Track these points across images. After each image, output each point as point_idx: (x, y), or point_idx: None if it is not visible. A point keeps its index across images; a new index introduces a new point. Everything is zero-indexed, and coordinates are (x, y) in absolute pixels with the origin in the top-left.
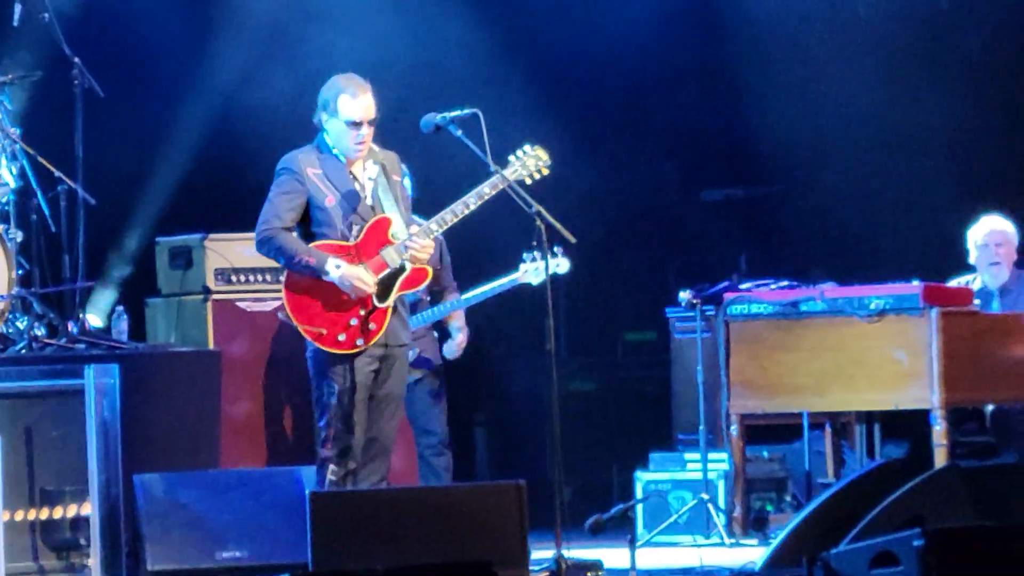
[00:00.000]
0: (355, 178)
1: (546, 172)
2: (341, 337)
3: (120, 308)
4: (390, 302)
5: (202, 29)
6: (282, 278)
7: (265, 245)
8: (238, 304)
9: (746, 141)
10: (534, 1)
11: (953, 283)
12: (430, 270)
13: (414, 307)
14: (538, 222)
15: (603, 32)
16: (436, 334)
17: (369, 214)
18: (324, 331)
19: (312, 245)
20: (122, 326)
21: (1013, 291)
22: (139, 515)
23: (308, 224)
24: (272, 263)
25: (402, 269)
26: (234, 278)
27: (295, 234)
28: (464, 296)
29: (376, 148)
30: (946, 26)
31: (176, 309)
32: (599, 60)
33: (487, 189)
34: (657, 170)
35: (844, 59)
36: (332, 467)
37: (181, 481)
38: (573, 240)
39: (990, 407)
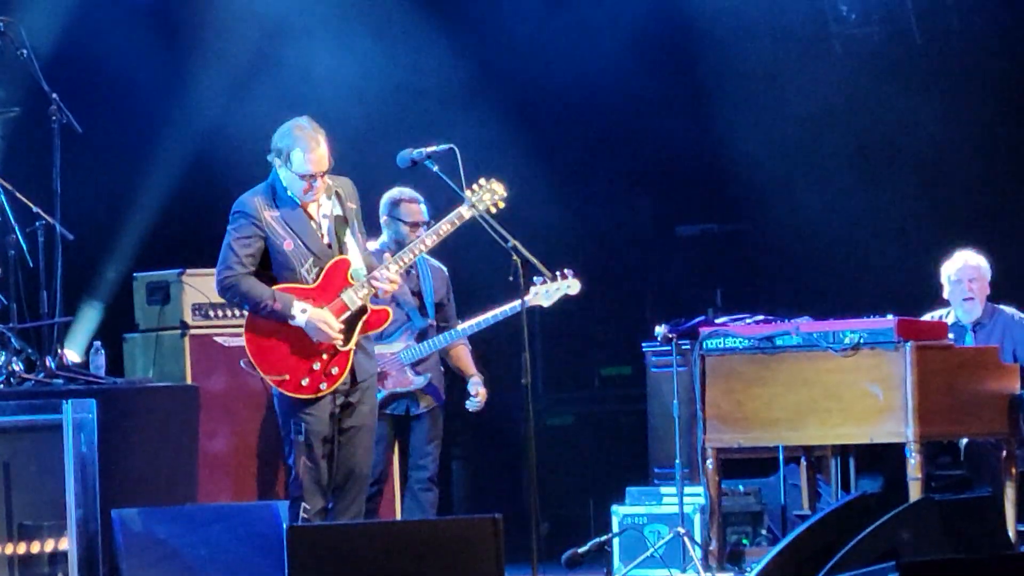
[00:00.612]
0: (311, 217)
1: (502, 205)
2: (304, 382)
3: (98, 343)
4: (352, 345)
5: (180, 64)
6: (246, 325)
7: (228, 291)
8: (216, 339)
9: (721, 176)
10: (509, 35)
11: (927, 317)
12: (390, 310)
13: (423, 334)
14: (514, 257)
15: (577, 67)
16: (443, 369)
17: (327, 254)
18: (287, 376)
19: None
20: (100, 361)
21: (987, 325)
22: (117, 550)
23: (267, 267)
24: None
25: (363, 311)
26: (212, 313)
27: (254, 279)
28: (474, 321)
29: (328, 180)
30: (920, 60)
31: (154, 344)
32: (574, 95)
33: (447, 225)
34: (632, 205)
35: (819, 94)
36: (304, 505)
37: (159, 516)
38: (548, 274)
39: (964, 441)
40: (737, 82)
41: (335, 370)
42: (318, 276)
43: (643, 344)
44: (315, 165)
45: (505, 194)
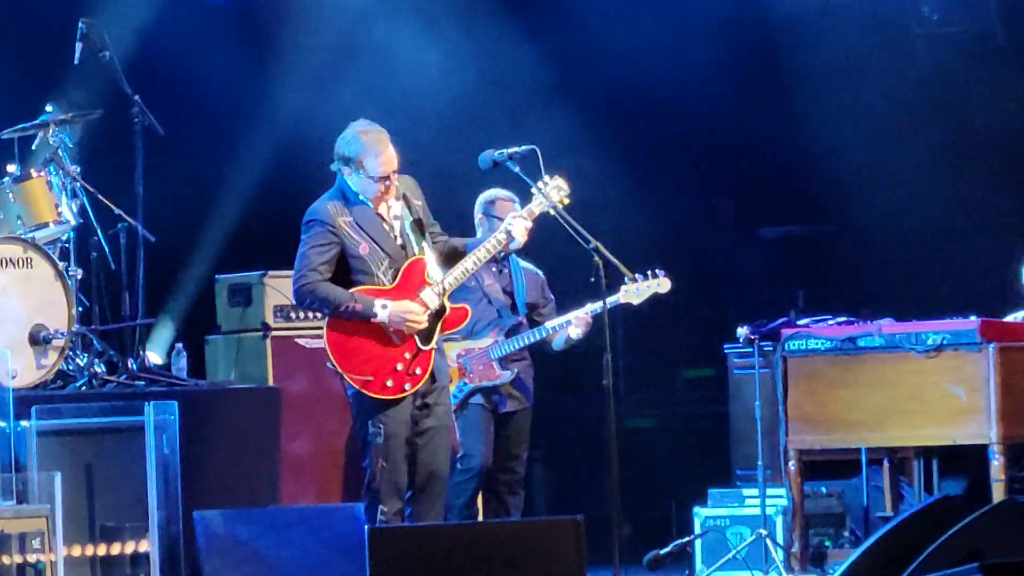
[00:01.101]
0: (383, 219)
1: (568, 201)
2: (388, 383)
3: (180, 345)
4: (434, 344)
5: (260, 64)
6: (325, 327)
7: (306, 298)
8: (297, 341)
9: (804, 177)
10: (592, 32)
11: (1010, 319)
12: (469, 309)
13: (513, 332)
14: (596, 258)
15: (660, 65)
16: (534, 371)
17: (401, 255)
18: (371, 377)
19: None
20: (182, 363)
21: None
22: (199, 552)
23: (344, 273)
24: None
25: (442, 309)
26: (293, 315)
27: (331, 284)
28: (561, 320)
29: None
30: (1004, 59)
31: (235, 346)
32: (656, 94)
33: (502, 235)
34: (715, 207)
35: (902, 95)
36: (381, 507)
37: (240, 517)
38: (631, 276)
39: None
40: (820, 83)
41: (418, 370)
42: (395, 277)
43: (725, 346)
44: (389, 165)
45: (569, 190)
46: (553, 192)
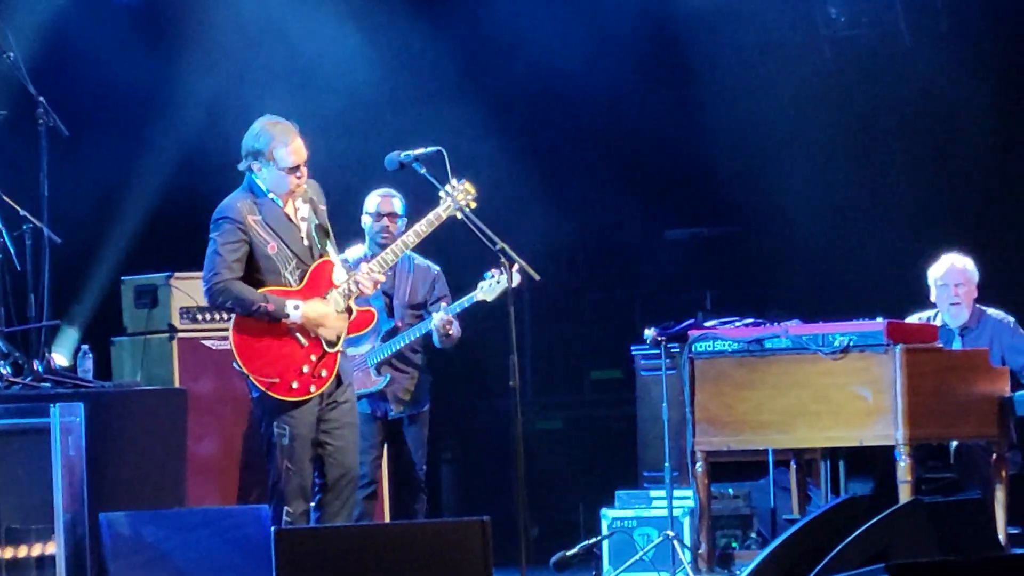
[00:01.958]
0: (291, 220)
1: (474, 205)
2: (294, 384)
3: (85, 347)
4: (340, 347)
5: (167, 66)
6: (231, 327)
7: (219, 296)
8: (203, 343)
9: (710, 180)
10: (497, 38)
11: (913, 319)
12: (376, 311)
13: (390, 335)
14: (503, 260)
15: (566, 71)
16: (431, 378)
17: (308, 256)
18: (277, 379)
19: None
20: (87, 365)
21: (974, 330)
22: (105, 554)
23: (252, 272)
24: None
25: (349, 312)
26: (199, 317)
27: (243, 283)
28: (430, 323)
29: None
30: (908, 65)
31: (142, 348)
32: (562, 99)
33: (425, 225)
34: (621, 209)
35: (809, 97)
36: (287, 508)
37: (147, 519)
38: (537, 277)
39: (954, 443)
40: (727, 84)
41: (324, 372)
42: (302, 278)
43: (632, 347)
44: (299, 154)
45: (476, 194)
46: (460, 196)
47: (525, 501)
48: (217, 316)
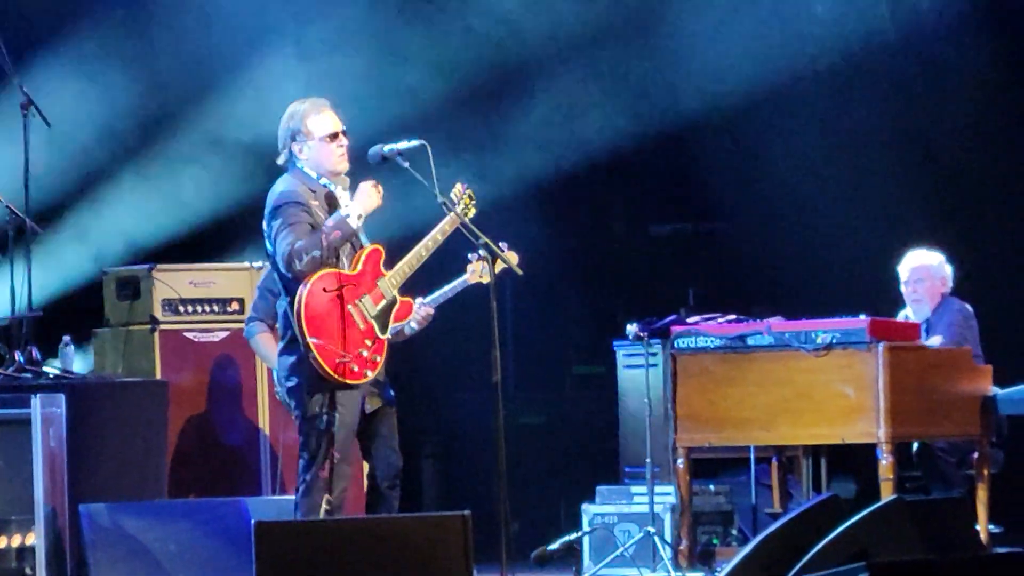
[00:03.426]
0: (341, 204)
1: (474, 211)
2: (355, 367)
3: (67, 338)
4: (389, 334)
5: (152, 55)
6: (300, 305)
7: (295, 260)
8: (185, 334)
9: (694, 176)
10: (479, 28)
11: (900, 317)
12: (414, 301)
13: None
14: (484, 254)
15: (549, 65)
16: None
17: (356, 243)
18: (348, 358)
19: (318, 275)
20: (69, 356)
21: (937, 324)
22: (85, 545)
23: None
24: (219, 294)
25: (394, 301)
26: (181, 308)
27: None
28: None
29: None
30: (894, 62)
31: (123, 339)
32: (546, 94)
33: (439, 235)
34: (605, 204)
35: (794, 93)
36: (327, 497)
37: (127, 511)
38: (520, 272)
39: (915, 445)
40: (711, 80)
41: (377, 358)
42: (355, 264)
43: (614, 343)
44: (334, 122)
45: (476, 199)
46: (461, 207)
47: (506, 496)
48: (200, 308)
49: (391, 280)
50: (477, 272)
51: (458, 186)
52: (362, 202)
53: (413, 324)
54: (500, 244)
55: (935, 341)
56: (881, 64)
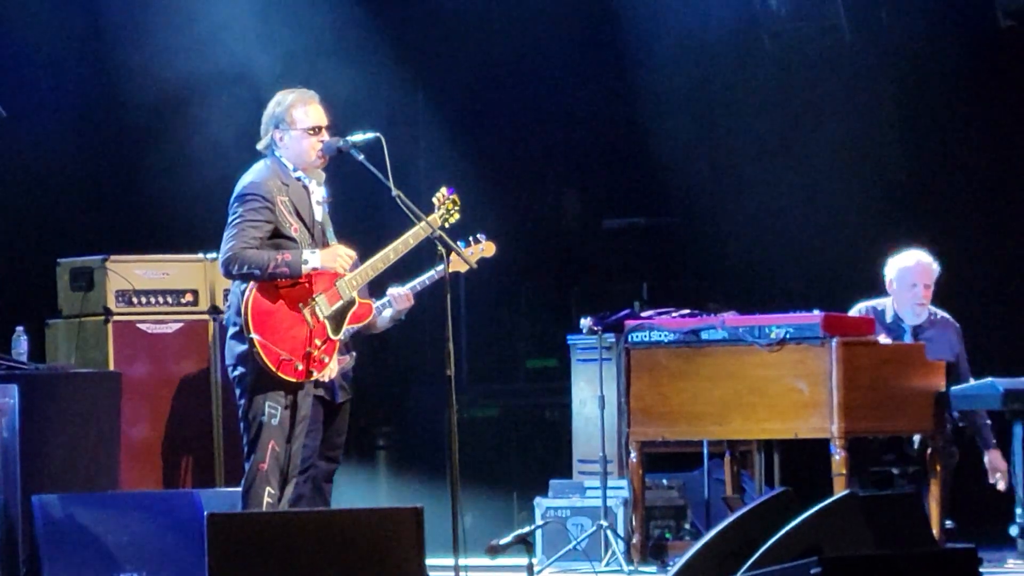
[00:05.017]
0: (311, 202)
1: (457, 217)
2: (299, 366)
3: (20, 328)
4: (342, 335)
5: (107, 48)
6: (248, 297)
7: (233, 265)
8: (139, 326)
9: (648, 170)
10: (435, 23)
11: (864, 305)
12: (373, 304)
13: None
14: (439, 247)
15: (505, 60)
16: (355, 354)
17: (320, 241)
18: (289, 357)
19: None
20: (22, 347)
21: (927, 329)
22: (37, 536)
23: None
24: (173, 285)
25: (352, 303)
26: (135, 300)
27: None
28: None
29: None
30: (848, 59)
31: (76, 330)
32: (501, 86)
33: (411, 239)
34: (559, 198)
35: (748, 88)
36: (269, 490)
37: (80, 502)
38: (474, 266)
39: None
40: (666, 75)
41: (325, 359)
42: None
43: (568, 337)
44: (319, 115)
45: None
46: (442, 213)
47: (459, 489)
48: (153, 299)
49: (351, 281)
50: (455, 261)
51: (443, 190)
52: (325, 260)
53: (388, 312)
54: (479, 235)
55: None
56: (837, 59)
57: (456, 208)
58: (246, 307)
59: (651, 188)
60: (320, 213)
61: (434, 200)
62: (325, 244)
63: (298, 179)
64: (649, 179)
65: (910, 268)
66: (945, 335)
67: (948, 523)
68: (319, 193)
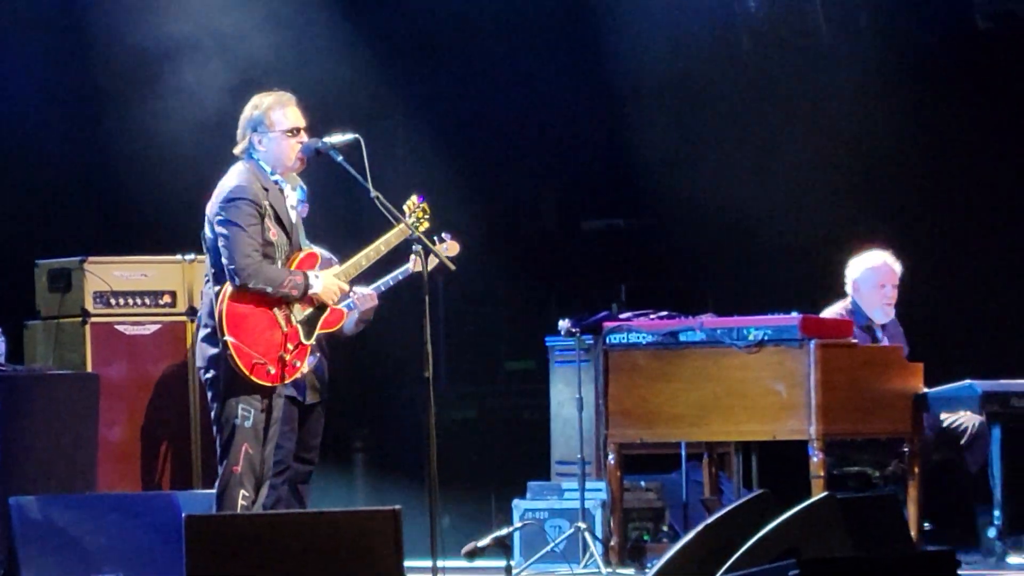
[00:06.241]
0: (287, 206)
1: (427, 225)
2: (271, 370)
3: None
4: (313, 340)
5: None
6: (223, 300)
7: (253, 279)
8: (116, 327)
9: (627, 171)
10: (412, 24)
11: (834, 310)
12: (345, 311)
13: None
14: (419, 249)
15: (483, 61)
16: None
17: (294, 244)
18: (263, 360)
19: None
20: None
21: (892, 331)
22: (15, 537)
23: None
24: (151, 287)
25: (323, 307)
26: (113, 301)
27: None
28: (348, 299)
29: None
30: (827, 61)
31: (54, 332)
32: (480, 90)
33: (383, 246)
34: (538, 199)
35: (726, 88)
36: (243, 492)
37: (57, 504)
38: (452, 268)
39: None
40: (645, 76)
41: (298, 363)
42: (289, 266)
43: (546, 338)
44: (297, 117)
45: (430, 213)
46: (413, 220)
47: (437, 490)
48: (131, 301)
49: None
50: (430, 261)
51: (413, 198)
52: (325, 291)
53: (354, 314)
54: (443, 234)
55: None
56: (815, 58)
57: (426, 216)
58: (221, 309)
59: (630, 190)
60: (295, 216)
61: (405, 208)
62: (299, 248)
63: (276, 182)
64: (628, 181)
65: (878, 268)
66: (899, 332)
67: (926, 525)
68: (293, 198)
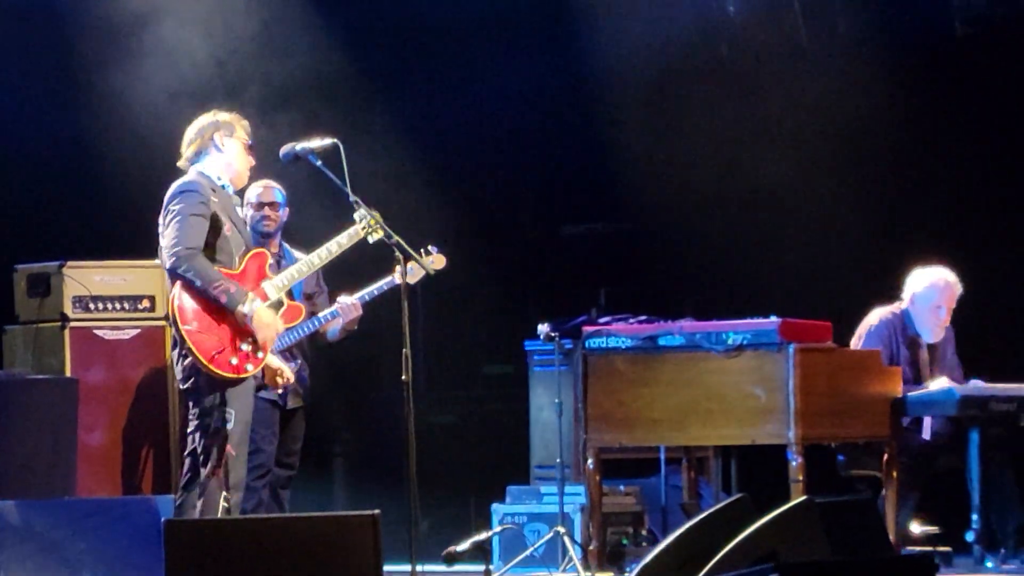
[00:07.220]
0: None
1: (380, 235)
2: (233, 360)
3: None
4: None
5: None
6: (177, 293)
7: (184, 263)
8: (96, 332)
9: (606, 176)
10: (389, 26)
11: (887, 312)
12: (303, 307)
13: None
14: (397, 254)
15: (461, 66)
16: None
17: (248, 245)
18: (220, 351)
19: None
20: None
21: (940, 347)
22: None
23: (205, 249)
24: (130, 291)
25: (279, 304)
26: (92, 306)
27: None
28: (334, 307)
29: None
30: (805, 67)
31: (33, 336)
32: (457, 94)
33: (335, 247)
34: (516, 203)
35: (705, 97)
36: (226, 495)
37: (36, 509)
38: (432, 272)
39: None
40: (623, 81)
41: (260, 354)
42: (240, 263)
43: (526, 343)
44: (249, 135)
45: (382, 220)
46: (363, 228)
47: (416, 495)
48: (110, 305)
49: (278, 282)
50: (414, 270)
51: (361, 210)
52: (258, 323)
53: (338, 323)
54: (431, 247)
55: (943, 383)
56: (794, 63)
57: (378, 225)
58: (174, 303)
59: (609, 194)
60: (242, 225)
61: (355, 216)
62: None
63: (223, 187)
64: (607, 185)
65: (940, 289)
66: (950, 343)
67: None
68: (236, 200)
